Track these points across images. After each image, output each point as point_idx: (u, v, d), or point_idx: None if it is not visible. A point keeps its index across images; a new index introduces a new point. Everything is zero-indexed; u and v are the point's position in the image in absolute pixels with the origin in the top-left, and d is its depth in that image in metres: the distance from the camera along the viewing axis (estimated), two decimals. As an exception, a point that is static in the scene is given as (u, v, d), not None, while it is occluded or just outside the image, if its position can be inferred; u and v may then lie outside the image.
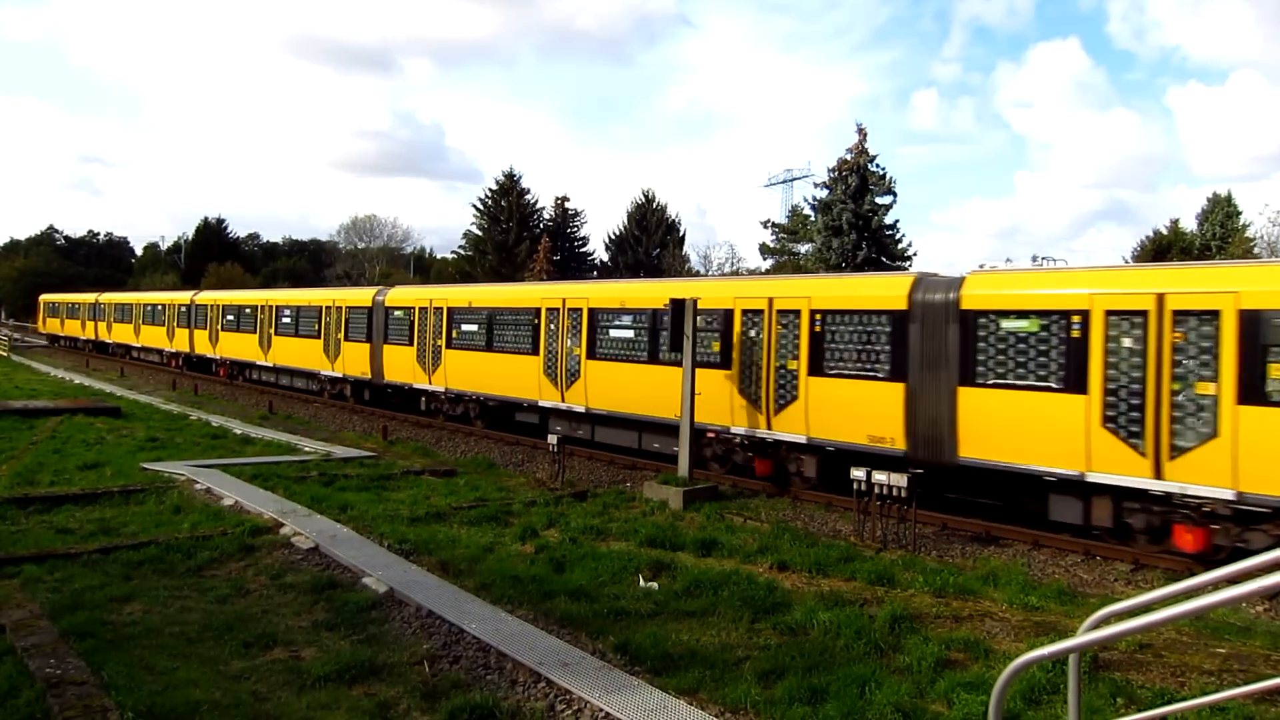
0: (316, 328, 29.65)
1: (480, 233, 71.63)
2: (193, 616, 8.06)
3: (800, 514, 14.33)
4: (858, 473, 12.53)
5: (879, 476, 12.17)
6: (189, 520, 11.59)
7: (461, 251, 75.66)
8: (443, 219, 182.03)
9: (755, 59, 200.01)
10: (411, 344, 24.75)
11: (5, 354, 47.36)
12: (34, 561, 9.40)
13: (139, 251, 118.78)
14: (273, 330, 32.29)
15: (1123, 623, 3.64)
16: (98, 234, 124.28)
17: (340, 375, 28.57)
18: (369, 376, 26.94)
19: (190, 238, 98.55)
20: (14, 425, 20.05)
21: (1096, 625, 4.05)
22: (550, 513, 12.89)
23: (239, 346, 35.35)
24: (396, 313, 25.71)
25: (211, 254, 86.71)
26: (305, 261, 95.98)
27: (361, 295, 28.13)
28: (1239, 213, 55.19)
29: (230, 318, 36.05)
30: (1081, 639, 4.01)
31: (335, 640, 7.61)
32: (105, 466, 15.35)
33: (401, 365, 25.38)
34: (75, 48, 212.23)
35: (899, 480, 12.00)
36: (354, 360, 27.72)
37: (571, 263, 70.02)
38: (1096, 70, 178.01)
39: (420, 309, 24.53)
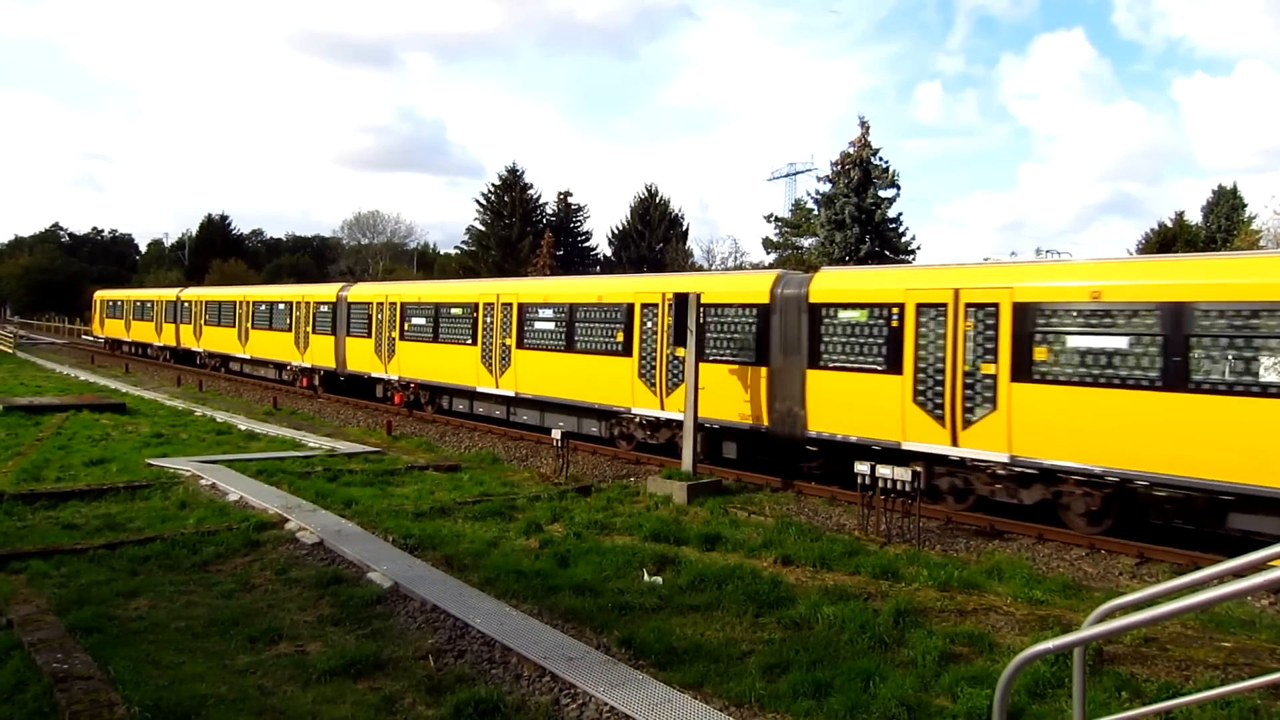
0: (621, 339, 18.59)
1: (483, 228, 71.74)
2: (198, 611, 8.08)
3: (804, 508, 14.33)
4: (862, 467, 12.54)
5: (883, 471, 12.17)
6: (194, 516, 11.63)
7: (465, 247, 75.82)
8: (445, 214, 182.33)
9: (757, 52, 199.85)
10: (895, 371, 14.11)
11: (10, 351, 47.50)
12: (40, 557, 9.43)
13: (143, 248, 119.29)
14: (512, 341, 21.54)
15: (1127, 616, 3.63)
16: (102, 231, 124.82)
17: (714, 422, 16.86)
18: (764, 423, 16.17)
19: (194, 234, 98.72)
20: (20, 421, 20.13)
21: (1101, 619, 4.05)
22: (554, 507, 12.90)
23: (440, 364, 24.16)
24: (846, 315, 14.82)
25: (215, 250, 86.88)
26: (309, 258, 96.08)
27: (738, 285, 17.43)
28: (1244, 205, 55.24)
29: (419, 321, 25.01)
30: (1086, 633, 4.01)
31: (340, 635, 7.63)
32: (111, 462, 15.41)
33: (862, 407, 14.67)
34: (75, 43, 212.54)
35: (903, 474, 12.01)
36: (722, 396, 16.64)
37: (574, 258, 70.09)
38: (1101, 61, 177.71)
39: (932, 309, 13.70)
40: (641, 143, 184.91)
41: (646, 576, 9.56)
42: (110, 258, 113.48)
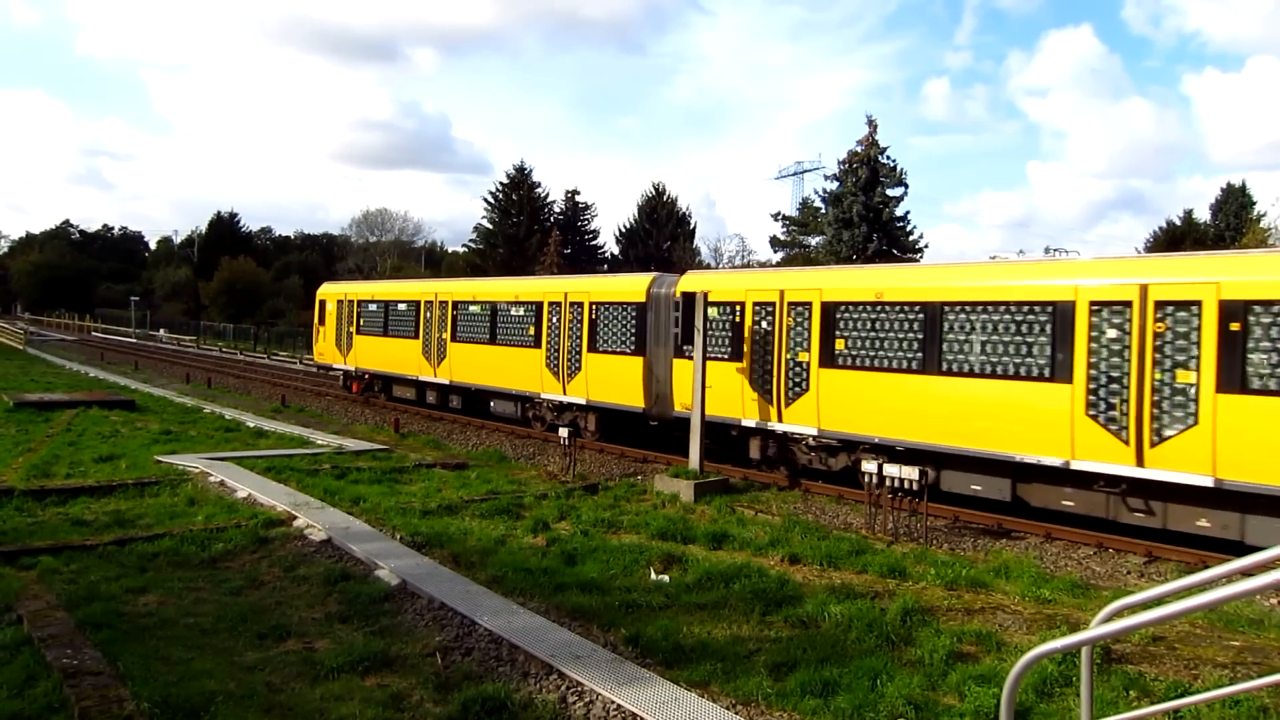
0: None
1: (491, 226, 71.76)
2: (207, 608, 8.12)
3: (811, 507, 14.32)
4: (869, 465, 12.53)
5: (891, 470, 12.16)
6: (203, 513, 11.70)
7: (472, 245, 75.84)
8: (451, 211, 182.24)
9: (765, 48, 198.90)
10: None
11: (21, 347, 47.75)
12: (51, 553, 9.49)
13: (153, 245, 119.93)
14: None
15: (1135, 615, 3.62)
16: (111, 228, 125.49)
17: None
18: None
19: (203, 232, 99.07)
20: (30, 418, 20.26)
21: (1109, 618, 4.04)
22: (561, 505, 12.92)
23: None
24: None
25: (224, 248, 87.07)
26: (317, 255, 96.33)
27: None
28: (1253, 203, 54.96)
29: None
30: (1094, 632, 4.00)
31: (348, 632, 7.66)
32: (120, 459, 15.50)
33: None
34: (79, 37, 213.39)
35: (910, 473, 11.99)
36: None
37: (582, 256, 70.06)
38: (1111, 58, 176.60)
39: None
40: (648, 140, 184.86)
41: (653, 575, 9.57)
42: (120, 255, 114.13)
